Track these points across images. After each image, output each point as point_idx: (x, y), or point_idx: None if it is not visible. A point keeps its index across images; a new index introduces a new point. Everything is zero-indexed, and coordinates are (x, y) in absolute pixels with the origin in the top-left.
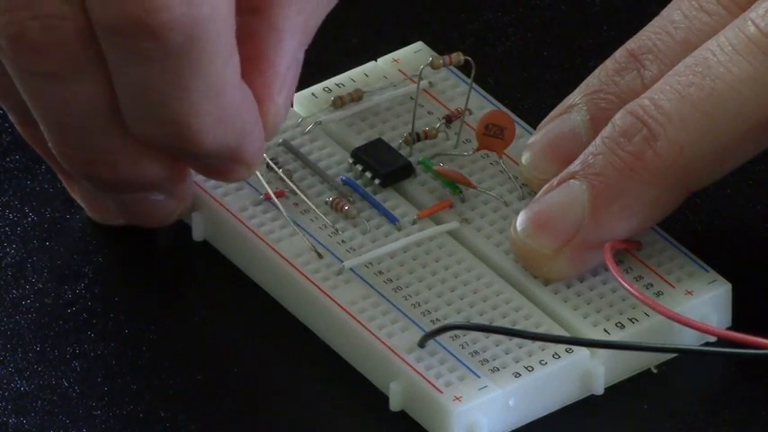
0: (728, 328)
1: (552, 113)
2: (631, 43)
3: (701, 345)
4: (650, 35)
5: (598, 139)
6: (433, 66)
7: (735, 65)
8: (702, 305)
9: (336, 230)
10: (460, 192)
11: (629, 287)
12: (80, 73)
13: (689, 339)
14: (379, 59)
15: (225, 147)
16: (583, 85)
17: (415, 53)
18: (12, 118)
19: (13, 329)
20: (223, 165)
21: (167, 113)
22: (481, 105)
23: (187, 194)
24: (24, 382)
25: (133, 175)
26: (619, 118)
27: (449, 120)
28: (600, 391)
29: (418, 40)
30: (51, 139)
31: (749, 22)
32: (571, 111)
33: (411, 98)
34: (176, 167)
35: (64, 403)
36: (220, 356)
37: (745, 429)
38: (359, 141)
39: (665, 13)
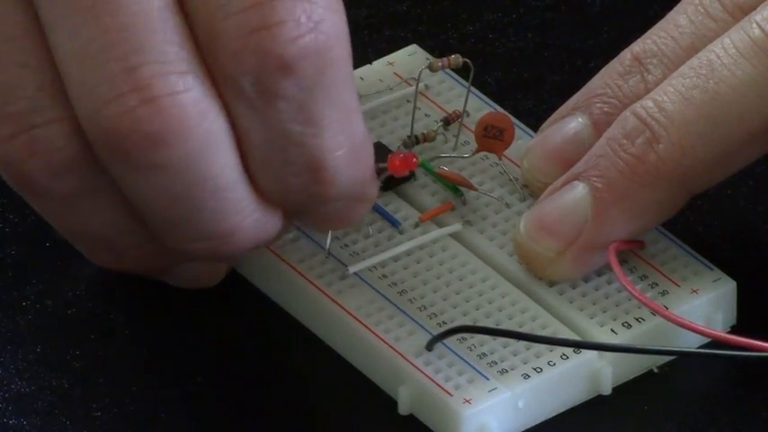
0: (733, 327)
1: (554, 116)
2: (635, 47)
3: (704, 345)
4: (655, 39)
5: (602, 140)
6: (431, 68)
7: (739, 68)
8: (707, 303)
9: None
10: (462, 194)
11: (632, 290)
12: (207, 147)
13: (694, 339)
14: (374, 62)
15: (355, 183)
16: (585, 88)
17: (409, 56)
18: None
19: (14, 330)
20: (347, 207)
21: (304, 157)
22: (479, 107)
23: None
24: (25, 383)
25: (254, 241)
26: (622, 119)
27: (447, 122)
28: (608, 391)
29: (416, 42)
30: (171, 234)
31: (754, 25)
32: (573, 114)
33: (408, 101)
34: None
35: (64, 404)
36: (223, 360)
37: (745, 431)
38: None
39: (670, 16)
